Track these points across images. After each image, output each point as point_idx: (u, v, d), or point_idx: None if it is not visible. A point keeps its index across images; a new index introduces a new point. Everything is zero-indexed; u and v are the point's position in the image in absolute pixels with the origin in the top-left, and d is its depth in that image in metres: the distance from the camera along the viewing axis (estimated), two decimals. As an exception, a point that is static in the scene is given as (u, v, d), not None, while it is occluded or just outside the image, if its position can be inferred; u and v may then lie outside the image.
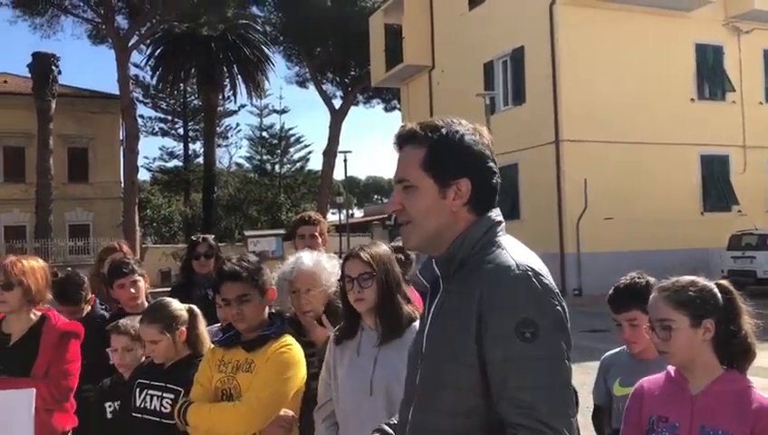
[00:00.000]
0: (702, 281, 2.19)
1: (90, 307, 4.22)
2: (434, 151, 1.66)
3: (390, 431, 1.84)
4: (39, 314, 3.39)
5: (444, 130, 1.68)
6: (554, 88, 19.28)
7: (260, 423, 2.68)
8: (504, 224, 1.72)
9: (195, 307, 3.24)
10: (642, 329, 2.66)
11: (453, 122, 1.71)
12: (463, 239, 1.64)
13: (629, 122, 19.17)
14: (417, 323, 2.61)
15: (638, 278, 2.78)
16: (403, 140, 1.73)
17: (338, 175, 36.69)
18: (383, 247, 2.71)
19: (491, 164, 1.70)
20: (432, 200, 1.66)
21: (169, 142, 50.59)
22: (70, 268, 4.36)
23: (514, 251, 1.62)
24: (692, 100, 20.55)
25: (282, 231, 28.50)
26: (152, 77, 36.86)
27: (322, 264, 3.12)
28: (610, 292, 2.83)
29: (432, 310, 1.68)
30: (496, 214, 1.71)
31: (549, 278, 1.58)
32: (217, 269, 3.03)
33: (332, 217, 36.69)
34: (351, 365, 2.62)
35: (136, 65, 36.69)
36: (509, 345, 1.49)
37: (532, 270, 1.56)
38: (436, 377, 1.60)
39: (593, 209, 18.82)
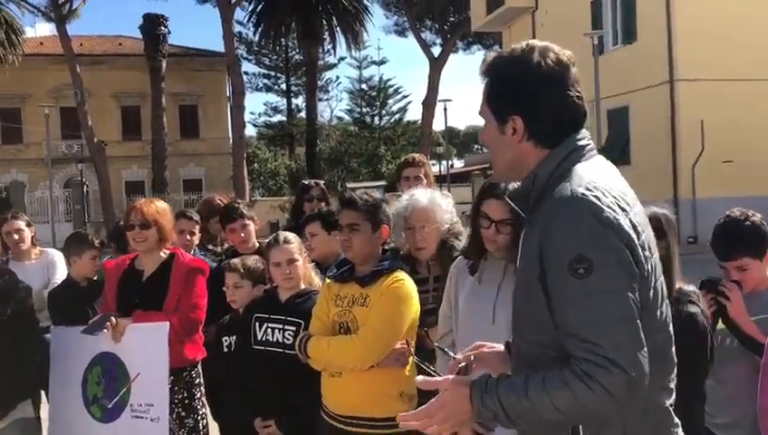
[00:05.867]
0: None
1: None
2: (491, 84, 1.62)
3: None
4: (168, 252, 3.60)
5: (500, 61, 1.61)
6: (668, 23, 18.12)
7: (376, 357, 2.74)
8: (586, 147, 1.60)
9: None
10: (752, 273, 2.59)
11: (516, 49, 1.61)
12: (535, 175, 1.59)
13: (749, 58, 17.77)
14: None
15: (744, 220, 2.61)
16: (481, 71, 1.69)
17: (437, 125, 36.34)
18: None
19: (557, 90, 1.56)
20: (494, 135, 1.64)
21: (273, 98, 51.81)
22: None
23: (578, 182, 1.51)
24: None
25: (383, 182, 28.78)
26: (255, 33, 37.47)
27: (437, 201, 3.12)
28: (713, 236, 2.68)
29: (520, 244, 1.68)
30: (575, 139, 1.60)
31: (611, 211, 1.47)
32: (339, 198, 3.11)
33: (433, 168, 36.42)
34: (473, 293, 2.62)
35: (239, 22, 37.47)
36: (564, 282, 1.45)
37: (590, 203, 1.46)
38: (519, 309, 1.65)
39: (710, 152, 17.76)
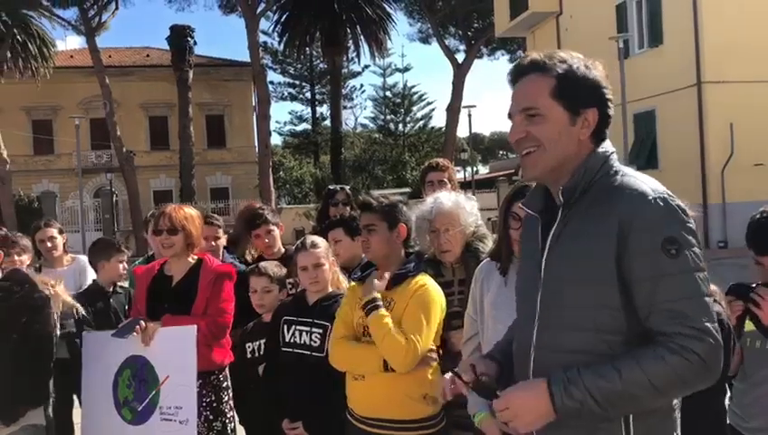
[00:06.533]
0: None
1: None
2: (565, 81, 1.70)
3: (495, 355, 1.90)
4: (196, 257, 3.65)
5: (570, 61, 1.73)
6: (695, 25, 17.89)
7: (416, 363, 2.75)
8: (616, 154, 1.78)
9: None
10: None
11: (573, 55, 1.75)
12: (584, 169, 1.71)
13: (782, 59, 17.46)
14: None
15: None
16: (525, 69, 1.75)
17: (462, 131, 36.20)
18: None
19: (610, 96, 1.75)
20: (563, 128, 1.71)
21: (298, 106, 52.14)
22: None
23: (643, 177, 1.71)
24: None
25: (407, 189, 28.76)
26: (279, 43, 37.85)
27: (461, 204, 3.12)
28: (749, 231, 2.65)
29: (550, 237, 1.73)
30: (609, 144, 1.77)
31: (679, 200, 1.68)
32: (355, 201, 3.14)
33: (457, 174, 36.33)
34: (499, 296, 2.62)
35: (264, 32, 37.83)
36: (657, 262, 1.59)
37: (666, 193, 1.66)
38: (567, 297, 1.67)
39: (740, 156, 17.45)
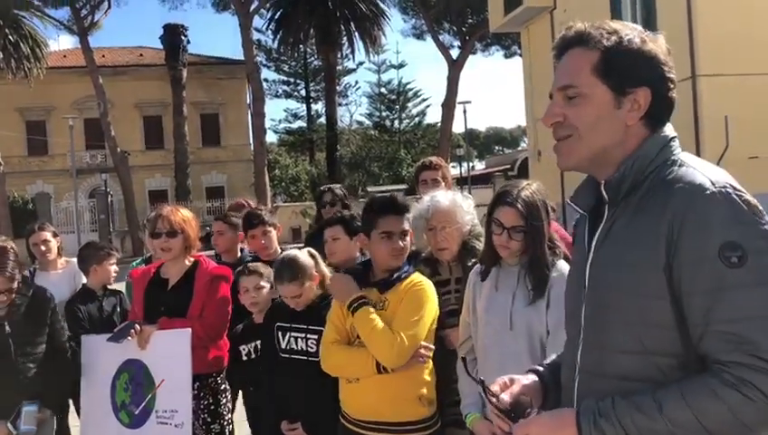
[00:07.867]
0: None
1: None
2: (611, 55, 1.45)
3: (543, 372, 1.66)
4: (192, 259, 3.63)
5: (622, 32, 1.47)
6: (689, 18, 17.90)
7: (405, 360, 2.71)
8: (678, 139, 1.50)
9: (312, 249, 3.33)
10: None
11: (627, 25, 1.50)
12: (635, 159, 1.44)
13: (776, 51, 17.49)
14: (561, 262, 2.54)
15: None
16: (569, 43, 1.51)
17: (457, 127, 36.31)
18: (537, 189, 2.61)
19: (671, 75, 1.47)
20: (605, 110, 1.45)
21: (293, 104, 52.15)
22: (208, 227, 4.61)
23: (705, 168, 1.41)
24: None
25: (403, 186, 28.79)
26: (273, 40, 37.82)
27: (458, 202, 3.10)
28: None
29: (595, 240, 1.49)
30: (670, 129, 1.49)
31: (750, 195, 1.36)
32: (381, 201, 2.99)
33: (453, 170, 36.44)
34: (490, 300, 2.61)
35: (258, 30, 37.73)
36: (713, 272, 1.29)
37: (732, 187, 1.35)
38: (611, 313, 1.42)
39: (736, 148, 17.43)
